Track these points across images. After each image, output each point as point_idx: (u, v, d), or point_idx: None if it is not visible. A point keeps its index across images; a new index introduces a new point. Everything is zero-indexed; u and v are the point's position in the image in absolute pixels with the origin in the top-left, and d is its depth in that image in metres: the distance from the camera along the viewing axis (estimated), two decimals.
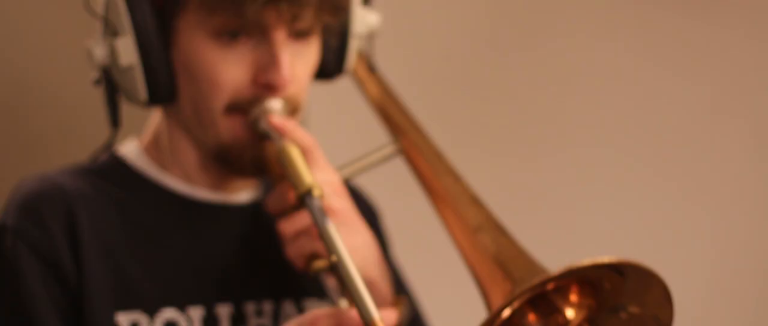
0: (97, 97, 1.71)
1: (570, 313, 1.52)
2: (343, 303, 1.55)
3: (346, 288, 1.46)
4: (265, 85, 1.61)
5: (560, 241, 2.77)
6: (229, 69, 1.60)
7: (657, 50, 2.97)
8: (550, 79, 2.92)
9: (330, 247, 1.48)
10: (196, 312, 1.64)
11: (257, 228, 1.72)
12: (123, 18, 1.60)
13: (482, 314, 1.47)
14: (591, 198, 2.92)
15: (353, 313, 1.48)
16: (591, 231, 2.90)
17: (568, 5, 2.94)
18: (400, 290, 1.76)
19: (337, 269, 1.47)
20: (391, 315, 1.54)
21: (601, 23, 2.94)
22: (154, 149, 1.71)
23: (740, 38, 2.92)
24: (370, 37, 1.80)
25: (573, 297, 1.51)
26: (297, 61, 1.62)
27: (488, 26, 2.91)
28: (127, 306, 1.61)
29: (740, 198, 2.94)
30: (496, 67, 2.91)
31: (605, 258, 1.40)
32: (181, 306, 1.64)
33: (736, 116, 2.93)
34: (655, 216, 2.94)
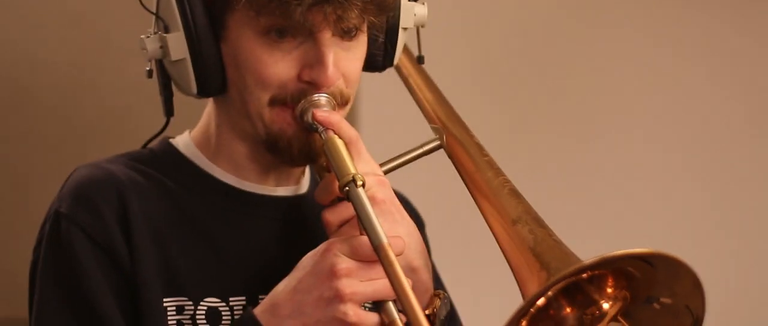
0: (154, 87, 1.76)
1: (606, 305, 1.54)
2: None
3: (385, 271, 1.49)
4: (309, 82, 1.64)
5: (606, 223, 2.78)
6: (275, 65, 1.63)
7: (704, 52, 2.98)
8: (599, 68, 2.93)
9: (371, 235, 1.51)
10: (238, 302, 1.68)
11: (302, 220, 1.76)
12: (174, 15, 1.64)
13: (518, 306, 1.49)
14: (637, 185, 2.93)
15: (364, 238, 1.52)
16: (630, 215, 2.90)
17: (627, 5, 2.95)
18: (437, 287, 1.78)
19: (377, 250, 1.50)
20: (426, 279, 1.59)
21: (654, 25, 2.96)
22: (204, 140, 1.75)
23: None
24: (418, 28, 1.81)
25: (608, 289, 1.53)
26: (343, 57, 1.65)
27: (541, 17, 2.93)
28: (173, 292, 1.65)
29: None
30: (546, 60, 2.93)
31: (636, 249, 1.42)
32: (224, 296, 1.68)
33: None
34: (693, 209, 2.95)
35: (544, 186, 2.89)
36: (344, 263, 1.53)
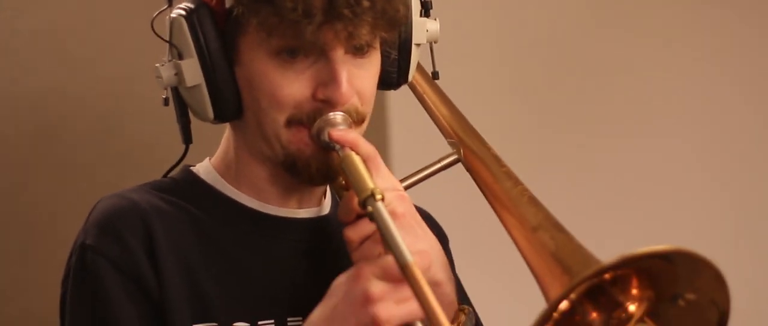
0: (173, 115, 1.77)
1: (632, 307, 1.54)
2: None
3: (408, 283, 1.48)
4: (324, 101, 1.64)
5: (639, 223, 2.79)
6: (289, 85, 1.64)
7: (727, 54, 2.98)
8: (619, 72, 2.94)
9: (396, 254, 1.50)
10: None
11: (326, 242, 1.76)
12: (188, 41, 1.65)
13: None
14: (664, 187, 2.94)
15: (392, 259, 1.50)
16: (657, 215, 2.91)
17: (647, 8, 2.96)
18: (462, 302, 1.79)
19: (403, 270, 1.49)
20: (449, 292, 1.57)
21: (682, 28, 2.96)
22: (223, 166, 1.76)
23: None
24: (432, 44, 1.82)
25: (632, 290, 1.53)
26: (357, 74, 1.66)
27: (560, 23, 2.94)
28: (202, 318, 1.66)
29: None
30: (566, 63, 2.94)
31: (655, 247, 1.42)
32: (253, 320, 1.68)
33: None
34: (715, 210, 2.95)
35: (568, 189, 2.90)
36: (377, 287, 1.52)
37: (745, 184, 3.01)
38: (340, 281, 1.56)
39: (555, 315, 1.51)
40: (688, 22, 2.98)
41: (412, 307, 1.51)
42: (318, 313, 1.57)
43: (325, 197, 1.81)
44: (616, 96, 2.98)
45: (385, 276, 1.52)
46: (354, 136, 1.65)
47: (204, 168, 1.78)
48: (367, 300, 1.51)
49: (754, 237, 3.01)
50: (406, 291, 1.49)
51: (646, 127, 3.00)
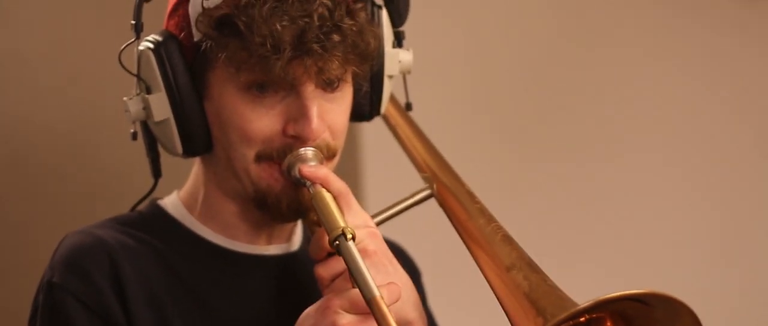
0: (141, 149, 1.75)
1: None
2: None
3: (376, 320, 1.47)
4: (294, 136, 1.63)
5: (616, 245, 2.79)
6: (259, 120, 1.62)
7: (708, 72, 2.98)
8: (597, 96, 2.94)
9: (362, 288, 1.49)
10: None
11: (296, 278, 1.75)
12: (155, 76, 1.63)
13: None
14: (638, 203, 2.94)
15: (358, 292, 1.49)
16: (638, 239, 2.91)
17: (617, 21, 2.96)
18: None
19: (369, 304, 1.48)
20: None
21: (653, 41, 2.96)
22: (191, 200, 1.74)
23: None
24: (405, 75, 1.81)
25: None
26: (328, 109, 1.64)
27: (538, 44, 2.94)
28: None
29: None
30: (545, 87, 2.94)
31: (631, 291, 1.40)
32: None
33: None
34: (700, 237, 2.94)
35: (552, 222, 2.88)
36: (344, 319, 1.51)
37: (725, 208, 3.00)
38: (309, 313, 1.55)
39: None
40: (660, 39, 2.97)
41: None
42: None
43: (294, 233, 1.80)
44: (591, 124, 2.97)
45: (353, 309, 1.52)
46: (325, 172, 1.63)
47: (171, 203, 1.76)
48: None
49: (735, 264, 2.99)
50: (373, 324, 1.48)
51: (623, 156, 2.99)
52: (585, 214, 2.93)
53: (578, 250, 2.88)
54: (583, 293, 1.45)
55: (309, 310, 1.55)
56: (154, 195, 1.78)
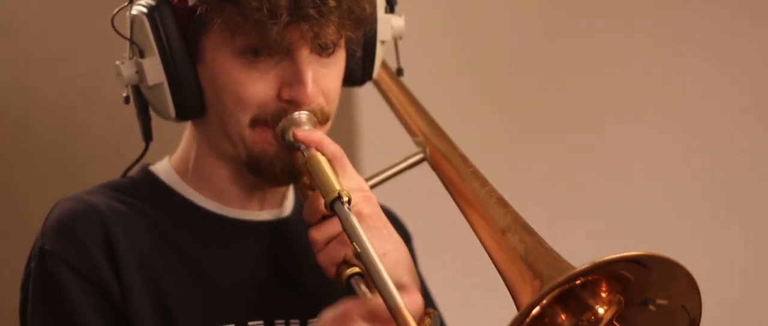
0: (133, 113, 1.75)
1: (601, 310, 1.52)
2: None
3: (376, 288, 1.48)
4: (289, 100, 1.63)
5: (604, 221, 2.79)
6: (254, 85, 1.62)
7: (709, 49, 2.98)
8: (595, 67, 2.94)
9: (359, 250, 1.50)
10: None
11: (288, 244, 1.75)
12: (149, 40, 1.63)
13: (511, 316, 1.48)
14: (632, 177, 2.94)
15: (379, 300, 1.49)
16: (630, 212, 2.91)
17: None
18: (427, 305, 1.77)
19: (366, 271, 1.49)
20: (416, 298, 1.55)
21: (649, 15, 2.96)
22: (183, 165, 1.74)
23: None
24: (397, 40, 1.81)
25: (602, 294, 1.52)
26: (322, 73, 1.64)
27: (537, 15, 2.93)
28: (164, 322, 1.64)
29: None
30: (542, 58, 2.94)
31: (628, 252, 1.41)
32: (213, 324, 1.66)
33: None
34: (698, 208, 2.95)
35: (544, 188, 2.89)
36: None
37: (721, 173, 3.01)
38: (328, 317, 1.55)
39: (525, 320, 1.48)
40: (662, 13, 2.97)
41: None
42: None
43: (286, 198, 1.79)
44: (584, 92, 2.97)
45: (373, 318, 1.51)
46: (319, 135, 1.63)
47: (163, 169, 1.75)
48: None
49: (739, 236, 3.01)
50: None
51: (616, 122, 2.99)
52: (580, 178, 2.93)
53: (572, 215, 2.89)
54: (578, 257, 1.45)
55: (328, 314, 1.55)
56: (145, 160, 1.77)
